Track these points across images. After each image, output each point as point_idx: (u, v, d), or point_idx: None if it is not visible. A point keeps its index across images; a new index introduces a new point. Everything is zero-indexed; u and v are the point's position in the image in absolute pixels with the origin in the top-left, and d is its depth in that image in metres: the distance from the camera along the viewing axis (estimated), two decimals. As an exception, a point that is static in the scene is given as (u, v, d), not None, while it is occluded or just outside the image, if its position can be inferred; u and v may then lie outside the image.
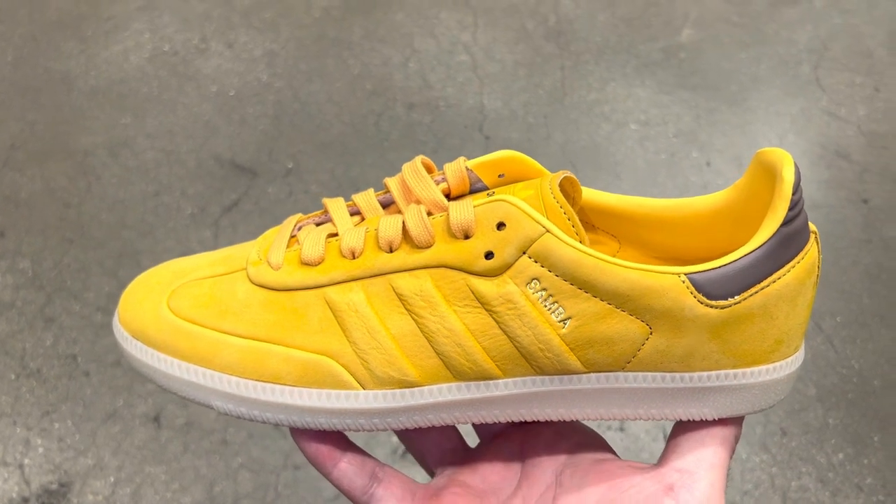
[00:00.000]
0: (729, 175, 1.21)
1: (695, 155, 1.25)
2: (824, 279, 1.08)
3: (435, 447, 0.39)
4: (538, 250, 0.32)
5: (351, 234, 0.35)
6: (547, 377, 0.34)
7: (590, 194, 0.39)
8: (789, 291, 0.33)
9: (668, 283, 0.32)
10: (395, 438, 0.92)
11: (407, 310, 0.34)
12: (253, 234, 1.11)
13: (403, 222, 0.34)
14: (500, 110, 1.30)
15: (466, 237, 0.33)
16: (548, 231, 0.32)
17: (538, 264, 0.32)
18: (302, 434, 0.36)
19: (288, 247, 0.36)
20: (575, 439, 0.37)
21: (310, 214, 0.39)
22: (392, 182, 0.37)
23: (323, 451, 0.36)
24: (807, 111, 1.32)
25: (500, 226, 0.32)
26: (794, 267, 0.33)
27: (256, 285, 0.35)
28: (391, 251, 0.34)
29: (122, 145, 1.24)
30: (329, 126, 1.27)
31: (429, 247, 0.33)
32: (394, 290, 0.34)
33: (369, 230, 0.35)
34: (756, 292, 0.32)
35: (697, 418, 0.34)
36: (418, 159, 0.37)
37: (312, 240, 0.35)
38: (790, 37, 1.46)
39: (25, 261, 1.09)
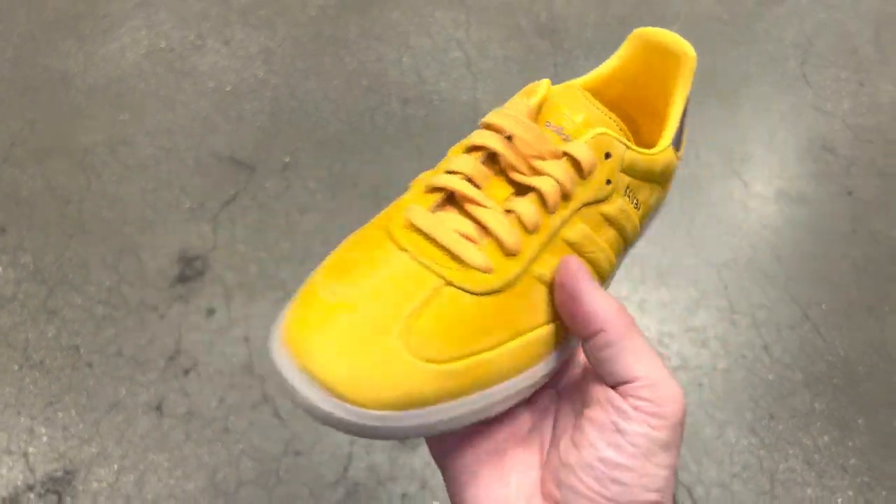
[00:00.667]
0: (718, 168, 1.24)
1: (685, 149, 1.27)
2: (812, 269, 1.11)
3: None
4: (627, 164, 0.38)
5: (526, 208, 0.35)
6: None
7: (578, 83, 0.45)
8: None
9: (671, 156, 0.42)
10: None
11: (580, 253, 0.37)
12: (252, 229, 1.13)
13: (560, 180, 0.36)
14: (494, 105, 1.31)
15: (589, 174, 0.37)
16: (629, 148, 0.38)
17: (626, 175, 0.39)
18: None
19: (480, 246, 0.34)
20: (578, 359, 0.39)
21: (425, 205, 0.36)
22: (493, 139, 0.37)
23: None
24: (794, 106, 1.35)
25: (608, 156, 0.37)
26: None
27: (482, 294, 0.33)
28: (555, 211, 0.36)
29: (121, 143, 1.25)
30: (325, 122, 1.29)
31: (572, 197, 0.37)
32: (565, 242, 0.36)
33: (535, 199, 0.36)
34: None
35: None
36: (523, 106, 0.39)
37: (504, 229, 0.34)
38: (778, 34, 1.48)
39: (27, 256, 1.11)
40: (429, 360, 0.31)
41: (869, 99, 1.36)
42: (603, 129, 0.37)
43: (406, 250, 0.33)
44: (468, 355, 0.32)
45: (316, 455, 0.92)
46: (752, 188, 1.21)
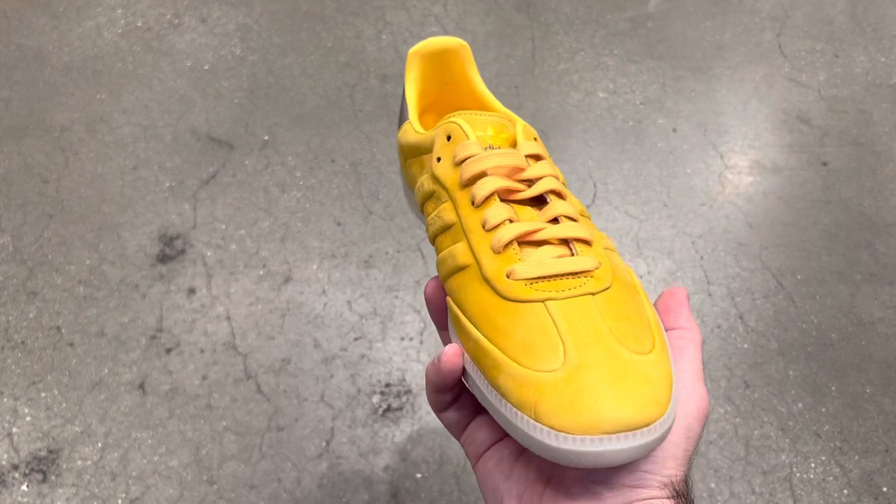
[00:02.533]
0: (694, 140, 1.25)
1: (661, 122, 1.28)
2: (786, 238, 1.12)
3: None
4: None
5: (562, 207, 0.37)
6: None
7: None
8: None
9: None
10: (374, 399, 0.96)
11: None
12: (231, 206, 1.13)
13: (549, 175, 0.39)
14: (472, 81, 1.32)
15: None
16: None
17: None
18: (433, 285, 0.41)
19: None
20: None
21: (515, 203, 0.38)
22: (496, 181, 0.37)
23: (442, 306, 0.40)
24: (769, 77, 1.36)
25: (536, 139, 0.42)
26: None
27: (610, 285, 0.35)
28: (565, 198, 0.40)
29: (99, 121, 1.25)
30: (304, 98, 1.28)
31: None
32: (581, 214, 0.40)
33: (553, 199, 0.38)
34: None
35: None
36: (475, 146, 0.39)
37: (574, 230, 0.36)
38: (753, 5, 1.49)
39: (6, 236, 1.10)
40: (640, 353, 0.32)
41: (843, 70, 1.38)
42: (512, 120, 0.40)
43: (547, 299, 0.33)
44: (654, 336, 0.33)
45: (298, 430, 0.93)
46: (728, 159, 1.23)
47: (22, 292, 1.05)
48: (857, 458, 0.93)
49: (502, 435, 0.37)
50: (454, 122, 0.39)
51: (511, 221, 0.35)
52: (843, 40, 1.43)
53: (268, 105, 1.28)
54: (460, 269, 0.36)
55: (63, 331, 1.01)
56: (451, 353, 0.35)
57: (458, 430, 0.41)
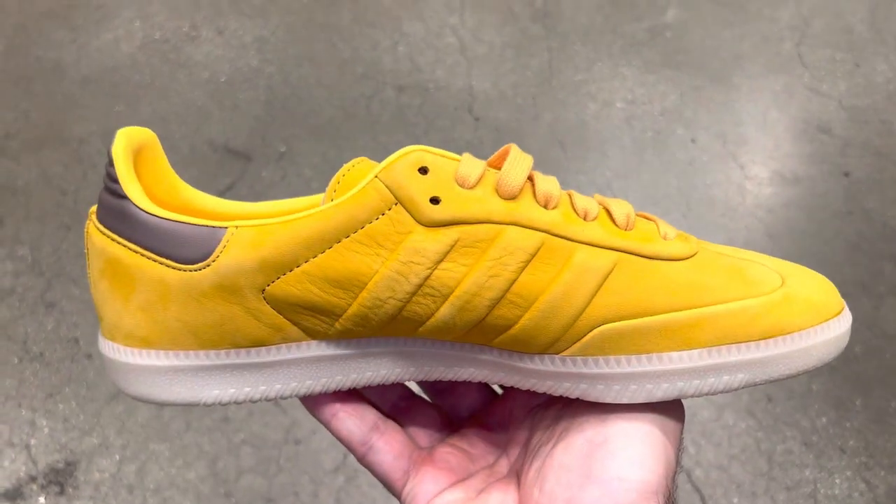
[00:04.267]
0: (713, 151, 1.24)
1: (680, 132, 1.27)
2: (807, 250, 1.11)
3: (423, 419, 0.40)
4: None
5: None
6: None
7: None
8: None
9: None
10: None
11: None
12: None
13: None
14: (489, 91, 1.32)
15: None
16: None
17: None
18: None
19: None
20: (546, 397, 0.37)
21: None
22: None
23: (321, 399, 0.36)
24: (789, 87, 1.35)
25: None
26: None
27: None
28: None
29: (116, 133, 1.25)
30: (320, 110, 1.29)
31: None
32: None
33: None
34: None
35: None
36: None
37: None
38: (772, 14, 1.48)
39: (24, 248, 1.11)
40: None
41: (864, 79, 1.36)
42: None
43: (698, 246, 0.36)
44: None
45: (315, 443, 0.92)
46: (748, 170, 1.22)
47: (40, 304, 1.05)
48: (883, 473, 0.92)
49: (450, 483, 0.35)
50: (417, 153, 0.32)
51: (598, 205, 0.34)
52: (864, 49, 1.42)
53: (284, 116, 1.28)
54: (606, 275, 0.32)
55: (81, 342, 1.01)
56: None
57: (394, 482, 0.37)
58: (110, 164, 0.34)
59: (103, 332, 0.35)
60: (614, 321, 0.31)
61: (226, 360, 0.34)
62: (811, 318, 0.33)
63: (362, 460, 0.37)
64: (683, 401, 0.33)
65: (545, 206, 0.32)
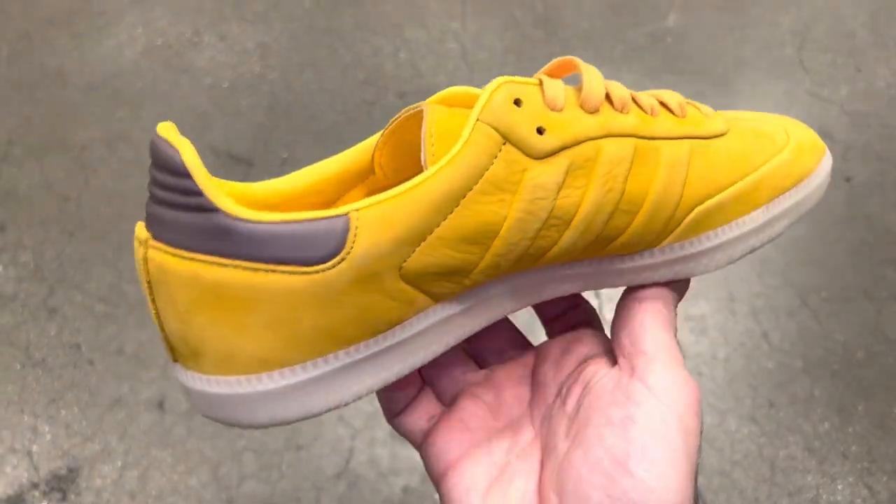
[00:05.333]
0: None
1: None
2: (810, 255, 1.11)
3: (449, 361, 0.38)
4: None
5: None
6: None
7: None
8: None
9: None
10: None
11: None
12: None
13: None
14: (491, 97, 1.32)
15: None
16: None
17: None
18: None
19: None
20: (581, 352, 0.36)
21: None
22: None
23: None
24: (791, 92, 1.35)
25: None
26: None
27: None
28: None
29: (119, 139, 1.25)
30: (322, 116, 1.29)
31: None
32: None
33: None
34: None
35: None
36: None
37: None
38: (774, 19, 1.48)
39: (27, 254, 1.11)
40: None
41: (866, 84, 1.36)
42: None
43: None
44: None
45: (317, 449, 0.92)
46: (750, 175, 1.22)
47: (42, 310, 1.05)
48: (885, 479, 0.92)
49: (473, 446, 0.34)
50: (505, 84, 0.31)
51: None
52: (866, 54, 1.42)
53: (287, 122, 1.28)
54: (688, 163, 0.34)
55: (83, 348, 1.01)
56: None
57: (417, 440, 0.36)
58: (179, 175, 0.28)
59: (205, 369, 0.29)
60: (702, 202, 0.34)
61: (365, 353, 0.31)
62: (816, 158, 0.37)
63: (389, 422, 0.37)
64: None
65: (623, 112, 0.33)
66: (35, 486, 0.90)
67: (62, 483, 0.91)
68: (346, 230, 0.28)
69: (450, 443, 0.34)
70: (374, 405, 0.95)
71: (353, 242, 0.28)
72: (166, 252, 0.28)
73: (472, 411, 0.35)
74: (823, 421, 0.96)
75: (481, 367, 0.39)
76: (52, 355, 1.01)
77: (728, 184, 0.34)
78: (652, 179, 0.32)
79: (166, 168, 0.28)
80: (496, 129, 0.30)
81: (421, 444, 0.36)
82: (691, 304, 1.05)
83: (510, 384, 0.37)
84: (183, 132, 0.29)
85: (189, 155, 0.28)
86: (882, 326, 1.04)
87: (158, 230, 0.28)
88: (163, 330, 0.29)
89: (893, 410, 0.97)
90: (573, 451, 0.30)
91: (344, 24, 1.45)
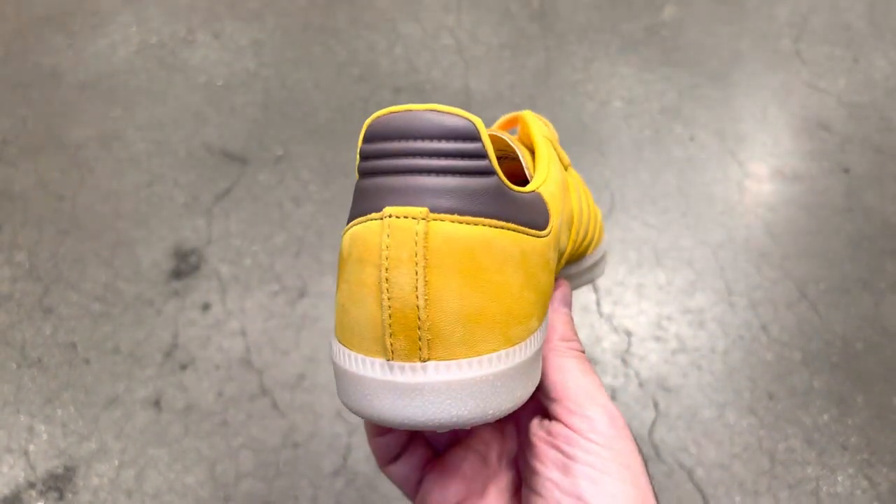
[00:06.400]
0: (712, 149, 1.23)
1: (679, 130, 1.26)
2: (808, 247, 1.10)
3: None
4: None
5: None
6: None
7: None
8: (340, 257, 0.30)
9: None
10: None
11: None
12: (246, 221, 1.12)
13: None
14: (486, 92, 1.32)
15: None
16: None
17: None
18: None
19: None
20: (534, 402, 0.37)
21: None
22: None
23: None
24: (788, 84, 1.34)
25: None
26: (346, 231, 0.29)
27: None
28: None
29: (114, 137, 1.25)
30: (317, 112, 1.28)
31: None
32: None
33: None
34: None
35: None
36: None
37: None
38: (770, 11, 1.47)
39: (22, 253, 1.10)
40: None
41: (863, 75, 1.36)
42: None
43: None
44: None
45: (314, 446, 0.92)
46: (747, 168, 1.21)
47: (38, 309, 1.05)
48: (885, 470, 0.91)
49: (465, 495, 0.35)
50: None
51: None
52: (863, 45, 1.41)
53: (281, 119, 1.27)
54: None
55: (78, 348, 1.01)
56: None
57: (409, 487, 0.37)
58: (471, 139, 0.27)
59: (478, 349, 0.27)
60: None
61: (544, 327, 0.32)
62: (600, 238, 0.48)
63: (382, 469, 0.37)
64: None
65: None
66: (32, 485, 0.90)
67: (59, 482, 0.90)
68: (545, 204, 0.31)
69: (447, 491, 0.35)
70: (372, 401, 0.95)
71: (551, 214, 0.31)
72: (455, 221, 0.27)
73: (464, 457, 0.36)
74: (823, 413, 0.95)
75: None
76: (47, 355, 1.01)
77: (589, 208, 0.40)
78: (576, 200, 0.38)
79: (455, 136, 0.27)
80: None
81: (416, 492, 0.36)
82: (689, 297, 1.05)
83: (496, 433, 0.38)
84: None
85: (480, 122, 0.28)
86: (881, 318, 1.03)
87: (439, 202, 0.27)
88: (417, 321, 0.26)
89: (893, 402, 0.96)
90: (532, 496, 0.31)
91: (338, 20, 1.45)
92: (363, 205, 0.28)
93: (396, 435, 0.36)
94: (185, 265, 1.08)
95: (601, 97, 1.31)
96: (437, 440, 0.38)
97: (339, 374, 0.29)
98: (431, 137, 0.27)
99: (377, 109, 1.27)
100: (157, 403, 0.96)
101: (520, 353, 0.28)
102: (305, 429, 0.93)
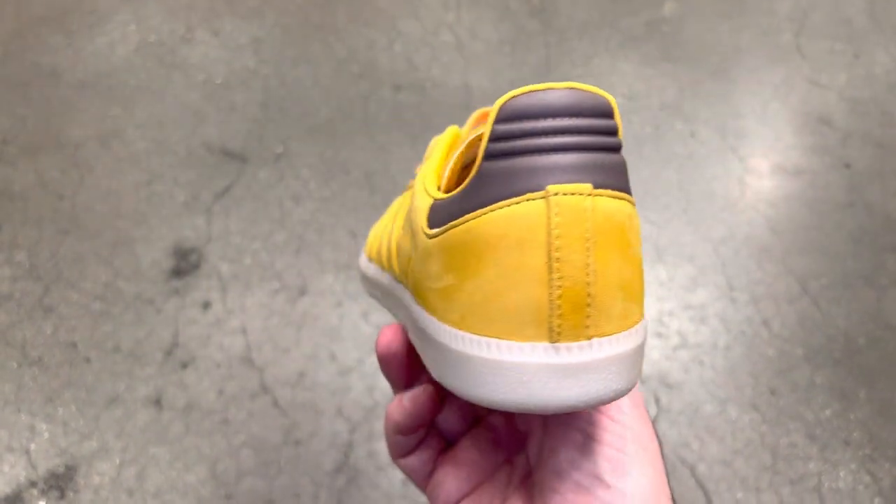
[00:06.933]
0: (713, 144, 1.23)
1: (679, 126, 1.26)
2: (809, 242, 1.10)
3: (449, 410, 0.40)
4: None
5: None
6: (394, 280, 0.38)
7: None
8: (474, 243, 0.28)
9: (422, 204, 0.31)
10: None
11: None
12: (246, 220, 1.12)
13: None
14: (487, 89, 1.31)
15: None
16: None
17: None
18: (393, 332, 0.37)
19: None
20: None
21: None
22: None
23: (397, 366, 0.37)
24: (789, 79, 1.34)
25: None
26: (484, 214, 0.28)
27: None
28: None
29: (113, 136, 1.25)
30: (317, 110, 1.28)
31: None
32: None
33: None
34: (443, 232, 0.29)
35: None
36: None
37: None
38: (771, 6, 1.47)
39: (22, 253, 1.10)
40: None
41: (864, 70, 1.35)
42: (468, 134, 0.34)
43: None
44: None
45: (315, 444, 0.92)
46: (748, 163, 1.21)
47: (38, 309, 1.05)
48: (888, 465, 0.91)
49: (476, 483, 0.35)
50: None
51: None
52: (864, 40, 1.41)
53: (281, 117, 1.27)
54: None
55: (79, 347, 1.01)
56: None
57: (421, 479, 0.37)
58: (610, 116, 0.27)
59: (628, 322, 0.28)
60: None
61: None
62: None
63: (395, 462, 0.37)
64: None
65: None
66: (33, 484, 0.90)
67: (60, 481, 0.90)
68: None
69: (459, 480, 0.35)
70: (373, 399, 0.95)
71: None
72: (611, 196, 0.27)
73: (475, 445, 0.36)
74: (825, 408, 0.95)
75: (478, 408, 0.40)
76: (48, 354, 1.00)
77: None
78: None
79: (596, 112, 0.27)
80: None
81: (428, 483, 0.36)
82: (690, 292, 1.05)
83: (508, 422, 0.38)
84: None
85: (609, 96, 0.28)
86: (883, 313, 1.03)
87: (597, 177, 0.27)
88: (587, 299, 0.26)
89: (895, 397, 0.96)
90: (549, 476, 0.31)
91: (337, 18, 1.44)
92: (508, 186, 0.27)
93: (417, 430, 0.36)
94: (185, 264, 1.08)
95: (601, 93, 1.31)
96: (451, 430, 0.39)
97: (480, 367, 0.28)
98: (577, 114, 0.27)
99: (377, 107, 1.27)
100: (157, 402, 0.95)
101: (645, 323, 0.29)
102: (306, 427, 0.93)
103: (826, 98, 1.30)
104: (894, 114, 1.28)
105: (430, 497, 0.35)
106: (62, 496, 0.89)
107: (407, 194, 0.39)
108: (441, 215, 0.29)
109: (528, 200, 0.26)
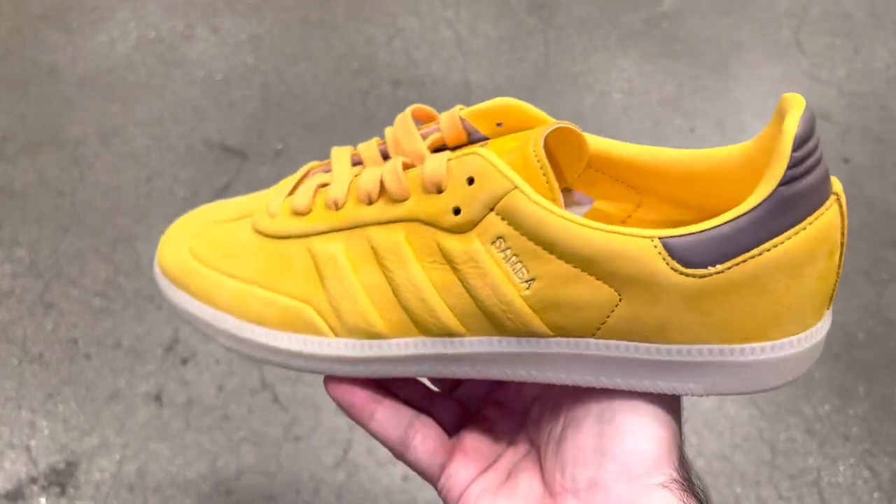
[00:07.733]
0: (713, 140, 1.23)
1: (678, 122, 1.26)
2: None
3: (444, 412, 0.41)
4: (505, 207, 0.30)
5: (337, 185, 0.36)
6: (513, 339, 0.32)
7: (605, 145, 0.38)
8: (790, 261, 0.29)
9: (638, 247, 0.29)
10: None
11: (379, 263, 0.33)
12: (245, 215, 1.12)
13: (382, 174, 0.34)
14: (486, 85, 1.31)
15: (439, 192, 0.32)
16: (516, 187, 0.30)
17: (504, 222, 0.30)
18: (335, 385, 0.37)
19: (289, 194, 0.38)
20: None
21: (323, 162, 0.40)
22: (388, 132, 0.38)
23: (357, 401, 0.37)
24: (788, 75, 1.34)
25: (470, 181, 0.31)
26: (797, 234, 0.29)
27: (255, 232, 0.37)
28: (370, 203, 0.34)
29: (113, 133, 1.25)
30: (316, 106, 1.28)
31: (404, 200, 0.33)
32: (369, 242, 0.34)
33: (353, 181, 0.36)
34: (744, 261, 0.29)
35: (681, 393, 0.32)
36: (410, 109, 0.37)
37: (303, 190, 0.37)
38: (770, 2, 1.47)
39: (22, 250, 1.11)
40: (192, 254, 0.38)
41: (864, 65, 1.35)
42: (481, 151, 0.32)
43: (271, 190, 0.42)
44: (213, 269, 0.37)
45: (315, 440, 0.92)
46: (748, 159, 1.21)
47: (39, 305, 1.05)
48: (887, 460, 0.91)
49: (484, 467, 0.36)
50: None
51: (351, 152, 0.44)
52: (863, 35, 1.40)
53: (281, 114, 1.27)
54: None
55: (80, 343, 1.01)
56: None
57: (432, 472, 0.38)
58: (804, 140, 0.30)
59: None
60: None
61: None
62: None
63: (400, 458, 0.38)
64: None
65: None
66: (34, 480, 0.90)
67: (61, 477, 0.90)
68: None
69: (467, 469, 0.36)
70: (372, 395, 0.95)
71: None
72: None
73: (477, 442, 0.38)
74: (824, 403, 0.95)
75: (472, 404, 0.42)
76: (48, 350, 1.01)
77: None
78: None
79: (812, 135, 0.30)
80: None
81: (438, 475, 0.37)
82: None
83: (503, 412, 0.40)
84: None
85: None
86: (883, 308, 1.03)
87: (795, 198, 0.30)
88: (835, 287, 0.33)
89: (894, 392, 0.96)
90: (565, 437, 0.33)
91: (337, 14, 1.44)
92: (809, 204, 0.29)
93: (394, 420, 0.38)
94: (185, 260, 1.08)
95: (601, 89, 1.31)
96: (455, 424, 0.40)
97: (761, 366, 0.32)
98: (810, 138, 0.31)
99: (376, 103, 1.27)
100: (158, 398, 0.96)
101: None
102: (306, 422, 0.93)
103: (825, 93, 1.30)
104: (894, 109, 1.28)
105: (445, 491, 0.37)
106: (63, 492, 0.89)
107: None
108: (709, 251, 0.29)
109: (827, 211, 0.30)
